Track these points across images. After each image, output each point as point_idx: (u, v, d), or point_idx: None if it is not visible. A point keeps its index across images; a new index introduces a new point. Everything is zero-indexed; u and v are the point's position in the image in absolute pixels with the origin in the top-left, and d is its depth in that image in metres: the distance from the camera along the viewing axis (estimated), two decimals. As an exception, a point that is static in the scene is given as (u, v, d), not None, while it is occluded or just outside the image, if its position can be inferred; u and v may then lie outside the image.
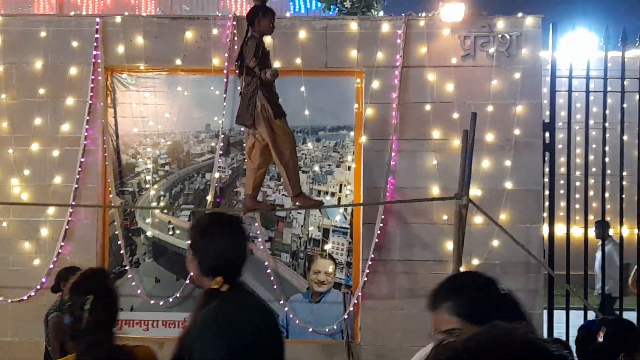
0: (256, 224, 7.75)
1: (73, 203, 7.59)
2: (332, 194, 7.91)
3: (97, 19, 7.85)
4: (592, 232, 8.47)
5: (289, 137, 6.00)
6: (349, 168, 7.88)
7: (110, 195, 7.84)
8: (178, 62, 7.77)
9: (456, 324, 2.14)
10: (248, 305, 2.89)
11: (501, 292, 2.23)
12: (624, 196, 7.86)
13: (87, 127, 7.72)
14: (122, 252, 7.81)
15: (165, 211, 8.04)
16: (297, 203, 6.30)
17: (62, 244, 7.66)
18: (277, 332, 2.92)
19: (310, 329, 7.66)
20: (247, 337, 2.67)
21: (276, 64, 7.65)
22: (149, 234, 7.97)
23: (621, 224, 7.80)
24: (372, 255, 7.55)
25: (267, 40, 7.66)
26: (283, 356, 2.79)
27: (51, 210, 7.71)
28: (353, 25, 7.71)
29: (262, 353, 2.69)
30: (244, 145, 7.74)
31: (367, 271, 7.55)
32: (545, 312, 7.70)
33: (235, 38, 7.66)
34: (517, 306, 2.23)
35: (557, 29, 7.66)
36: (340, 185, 7.91)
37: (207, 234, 2.99)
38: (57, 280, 6.27)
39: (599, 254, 8.68)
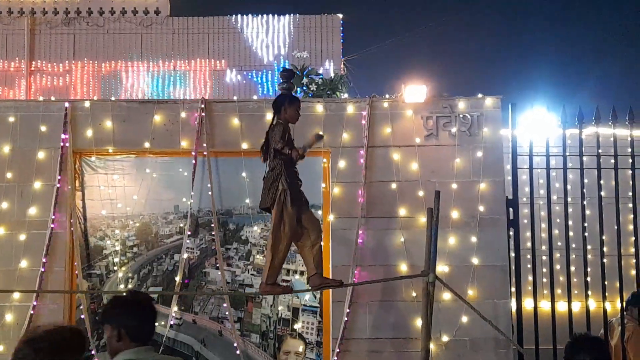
0: (225, 305, 7.72)
1: (38, 289, 7.50)
2: (302, 273, 7.92)
3: (66, 104, 7.96)
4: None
5: (292, 230, 6.03)
6: (318, 247, 7.91)
7: (77, 279, 7.77)
8: (146, 144, 7.86)
9: None
10: None
11: None
12: (589, 269, 7.97)
13: (54, 210, 7.71)
14: (89, 336, 7.69)
15: (133, 294, 7.96)
16: (267, 290, 6.24)
17: (27, 329, 7.53)
18: None
19: (281, 412, 7.54)
20: None
21: (244, 146, 7.79)
22: (116, 317, 7.86)
23: (587, 297, 7.89)
24: (342, 334, 7.52)
25: (235, 123, 7.85)
26: None
27: (16, 295, 7.60)
28: (319, 107, 7.91)
29: None
30: (212, 225, 7.82)
31: (338, 350, 7.51)
32: (516, 387, 7.67)
33: (204, 121, 7.80)
34: None
35: (516, 108, 7.92)
36: (309, 264, 7.92)
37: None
38: None
39: None
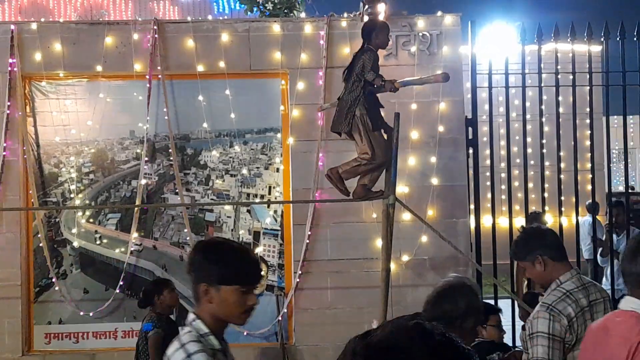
0: (185, 230, 7.68)
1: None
2: (262, 197, 7.89)
3: (12, 27, 7.62)
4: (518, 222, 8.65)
5: (382, 150, 5.97)
6: (278, 170, 7.87)
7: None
8: (99, 68, 7.61)
9: None
10: None
11: None
12: (546, 185, 8.09)
13: (5, 138, 7.49)
14: (47, 264, 7.63)
15: (91, 220, 7.87)
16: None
17: (-15, 259, 7.44)
18: None
19: (245, 333, 7.62)
20: None
21: (200, 68, 7.59)
22: (75, 244, 7.80)
23: (543, 212, 8.05)
24: (304, 256, 7.57)
25: (189, 44, 7.62)
26: None
27: (-29, 225, 7.46)
28: (275, 27, 7.69)
29: None
30: (170, 150, 7.69)
31: (299, 272, 7.57)
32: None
33: (157, 43, 7.55)
34: None
35: (475, 26, 7.81)
36: (270, 187, 7.90)
37: None
38: (147, 294, 6.22)
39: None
